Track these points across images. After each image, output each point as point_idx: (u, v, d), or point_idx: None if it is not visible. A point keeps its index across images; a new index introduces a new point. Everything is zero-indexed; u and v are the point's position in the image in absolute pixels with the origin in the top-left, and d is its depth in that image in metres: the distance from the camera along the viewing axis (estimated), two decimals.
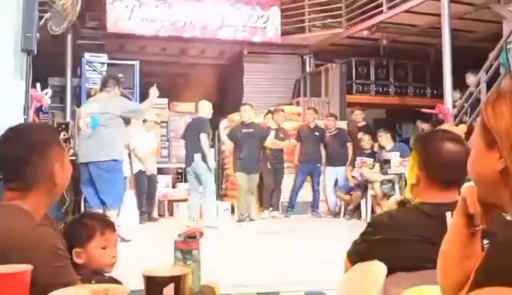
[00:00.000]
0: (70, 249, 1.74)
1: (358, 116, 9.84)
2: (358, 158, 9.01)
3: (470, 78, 8.66)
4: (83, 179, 6.09)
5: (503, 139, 0.95)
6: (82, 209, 7.02)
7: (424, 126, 9.06)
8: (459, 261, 1.12)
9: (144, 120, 8.51)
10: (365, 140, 9.05)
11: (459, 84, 8.78)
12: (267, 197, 9.13)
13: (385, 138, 8.69)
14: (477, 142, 1.01)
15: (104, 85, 6.35)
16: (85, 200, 6.15)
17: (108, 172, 5.93)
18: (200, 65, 12.25)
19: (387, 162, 8.22)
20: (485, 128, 0.98)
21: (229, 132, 9.06)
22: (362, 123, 9.77)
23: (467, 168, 1.06)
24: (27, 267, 1.08)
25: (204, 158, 7.69)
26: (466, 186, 1.13)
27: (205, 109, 8.07)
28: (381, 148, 8.77)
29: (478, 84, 8.36)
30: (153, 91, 6.56)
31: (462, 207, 1.13)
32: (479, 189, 1.07)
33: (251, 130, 8.64)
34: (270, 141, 8.83)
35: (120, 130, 6.16)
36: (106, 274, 1.88)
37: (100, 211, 5.59)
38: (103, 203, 5.91)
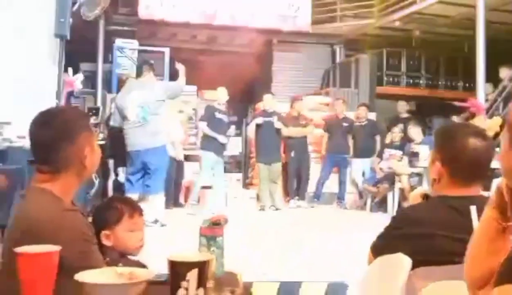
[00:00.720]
0: (98, 232, 1.78)
1: (403, 106, 9.79)
2: (386, 150, 8.93)
3: (504, 72, 8.47)
4: (132, 165, 6.36)
5: None
6: (110, 193, 7.14)
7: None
8: (486, 256, 1.10)
9: (181, 111, 8.67)
10: (395, 132, 8.96)
11: (492, 78, 8.60)
12: (291, 186, 9.14)
13: (415, 131, 8.58)
14: (503, 139, 1.00)
15: (140, 72, 6.46)
16: (129, 181, 6.36)
17: (159, 157, 6.25)
18: (229, 53, 12.25)
19: (416, 154, 8.12)
20: (509, 125, 0.97)
21: (251, 121, 9.14)
22: (405, 115, 9.70)
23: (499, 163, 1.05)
24: (55, 248, 1.12)
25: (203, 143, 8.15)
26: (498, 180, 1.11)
27: (218, 96, 8.41)
28: (411, 140, 8.67)
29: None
30: (180, 66, 6.63)
31: (496, 199, 1.10)
32: (508, 183, 1.05)
33: (272, 119, 8.65)
34: (290, 130, 8.81)
35: (164, 116, 6.45)
36: (133, 258, 1.91)
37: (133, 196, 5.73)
38: (147, 187, 6.22)
